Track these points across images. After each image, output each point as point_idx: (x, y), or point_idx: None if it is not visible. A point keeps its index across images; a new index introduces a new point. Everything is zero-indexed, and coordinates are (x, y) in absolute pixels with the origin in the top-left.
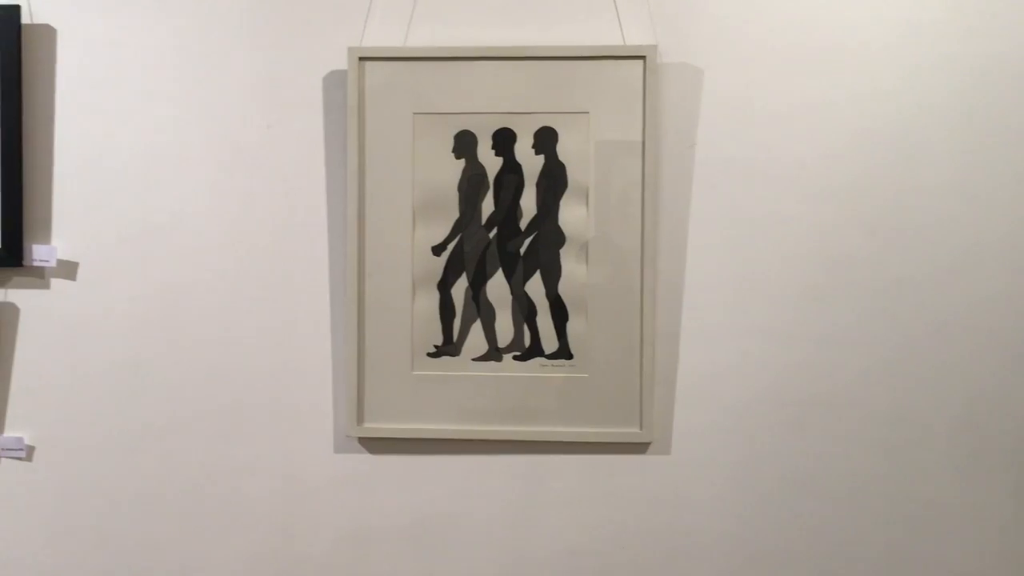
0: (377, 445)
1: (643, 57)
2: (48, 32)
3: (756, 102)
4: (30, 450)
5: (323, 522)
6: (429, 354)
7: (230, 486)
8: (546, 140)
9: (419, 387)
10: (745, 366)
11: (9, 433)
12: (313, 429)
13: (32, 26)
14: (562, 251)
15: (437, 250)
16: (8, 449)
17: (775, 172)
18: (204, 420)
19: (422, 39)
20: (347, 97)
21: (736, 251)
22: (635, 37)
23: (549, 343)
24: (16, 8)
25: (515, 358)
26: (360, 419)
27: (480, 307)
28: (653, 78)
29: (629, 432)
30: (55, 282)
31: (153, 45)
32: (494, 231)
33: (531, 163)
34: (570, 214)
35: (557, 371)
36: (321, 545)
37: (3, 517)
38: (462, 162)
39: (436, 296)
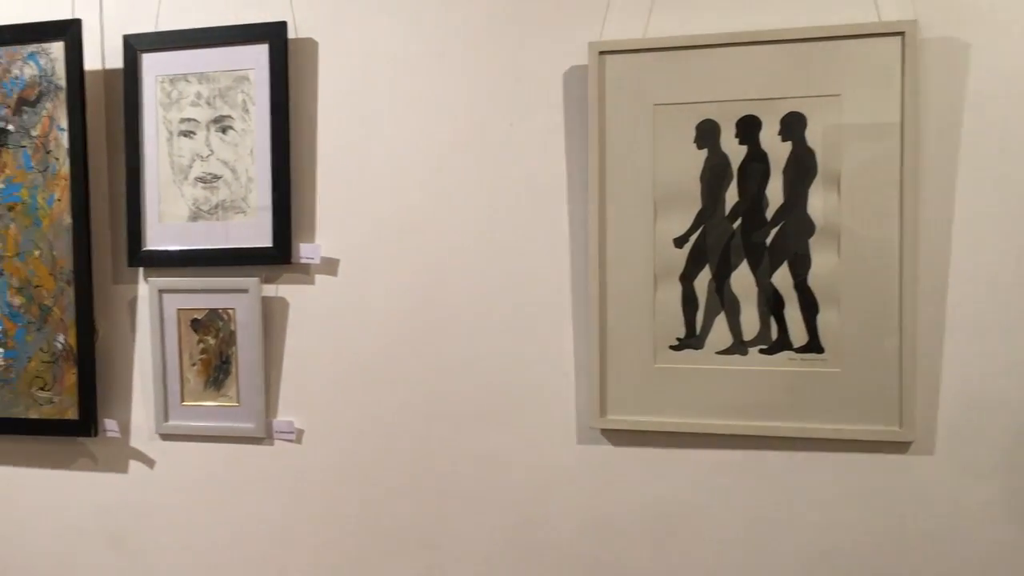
0: (620, 437)
1: (901, 33)
2: (311, 45)
3: None
4: (300, 433)
5: (566, 511)
6: (671, 347)
7: (479, 473)
8: (794, 126)
9: (661, 380)
10: (1019, 362)
11: (282, 417)
12: (557, 420)
13: (297, 40)
14: (812, 241)
15: (679, 242)
16: (281, 432)
17: None
18: (454, 409)
19: (662, 30)
20: (588, 92)
21: (1008, 240)
22: (891, 13)
23: (798, 336)
24: (283, 24)
25: (761, 351)
26: (603, 411)
27: (724, 299)
28: (912, 55)
29: (888, 430)
30: (319, 278)
31: (403, 52)
32: (738, 221)
33: (777, 150)
34: (820, 202)
35: (807, 365)
36: (564, 534)
37: (278, 495)
38: (704, 152)
39: (678, 288)
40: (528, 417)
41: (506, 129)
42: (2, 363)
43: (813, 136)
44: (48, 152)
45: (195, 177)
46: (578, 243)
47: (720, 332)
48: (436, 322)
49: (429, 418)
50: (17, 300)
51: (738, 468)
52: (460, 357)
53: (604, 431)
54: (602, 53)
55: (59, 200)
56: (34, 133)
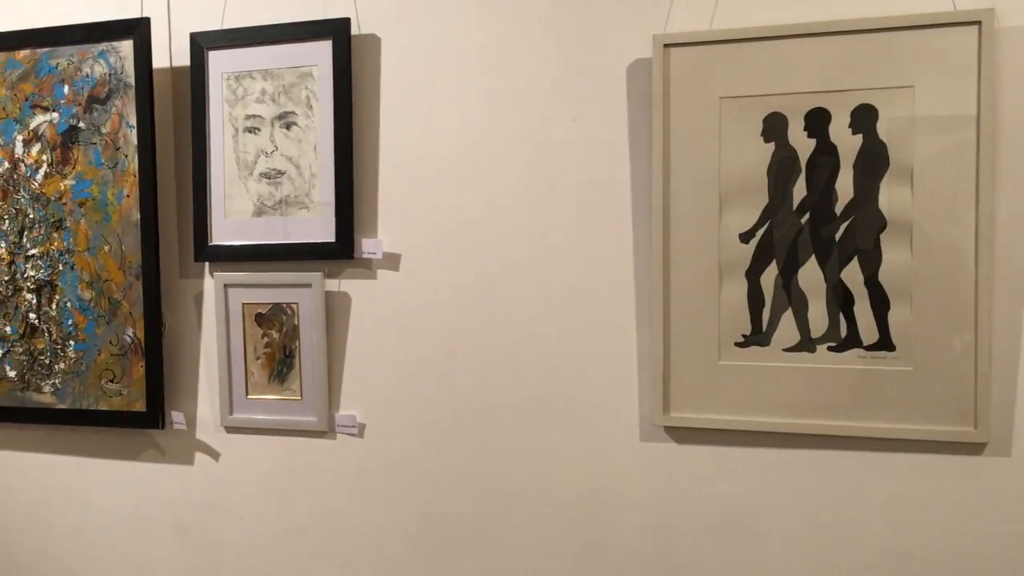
0: (683, 434)
1: (978, 23)
2: (374, 41)
3: None
4: (362, 427)
5: (628, 509)
6: (737, 344)
7: (539, 470)
8: (864, 118)
9: (726, 377)
10: None
11: (344, 411)
12: (620, 417)
13: (360, 36)
14: (883, 236)
15: (745, 237)
16: (343, 426)
17: None
18: (515, 405)
19: (728, 22)
20: (652, 85)
21: None
22: (967, 2)
23: (868, 334)
24: (346, 21)
25: (830, 349)
26: (666, 408)
27: (791, 295)
28: (989, 45)
29: (962, 431)
30: (381, 273)
31: (464, 47)
32: (806, 216)
33: (847, 143)
34: (892, 196)
35: (877, 363)
36: (626, 531)
37: (340, 489)
38: (771, 145)
39: (744, 284)
40: (590, 414)
41: (569, 124)
42: (73, 355)
43: (884, 128)
44: (117, 149)
45: (259, 173)
46: (641, 238)
47: (787, 329)
48: (497, 317)
49: (490, 414)
50: (87, 294)
51: (806, 468)
52: (521, 353)
53: (668, 428)
54: (667, 46)
55: (128, 196)
56: (104, 130)
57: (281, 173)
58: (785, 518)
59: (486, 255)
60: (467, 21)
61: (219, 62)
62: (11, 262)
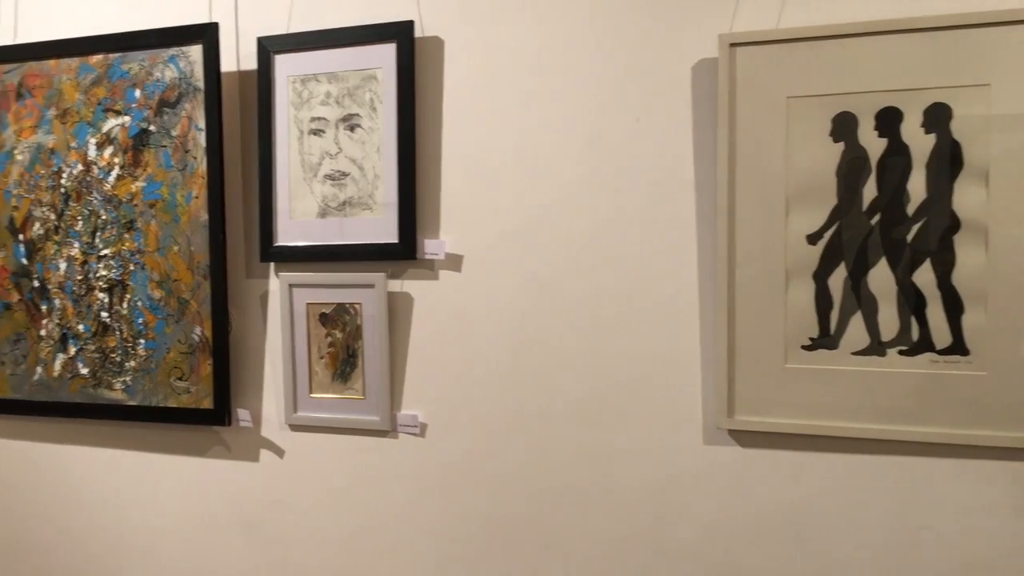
0: (748, 438)
1: None
2: (437, 44)
3: None
4: (423, 427)
5: (691, 512)
6: (804, 347)
7: (601, 472)
8: (938, 117)
9: (793, 381)
10: None
11: (406, 411)
12: (683, 419)
13: (424, 39)
14: (956, 237)
15: (812, 239)
16: (405, 425)
17: None
18: (576, 406)
19: (795, 20)
20: (718, 85)
21: None
22: None
23: (941, 337)
24: (410, 24)
25: (901, 353)
26: (731, 411)
27: (860, 298)
28: None
29: None
30: (443, 273)
31: (528, 48)
32: (877, 217)
33: (920, 143)
34: (966, 197)
35: (951, 368)
36: (689, 536)
37: (402, 488)
38: (840, 145)
39: (811, 286)
40: (652, 416)
41: (632, 125)
42: (143, 353)
43: (959, 128)
44: (187, 151)
45: (324, 175)
46: (705, 240)
47: (856, 332)
48: (559, 318)
49: (551, 415)
50: (157, 293)
51: (875, 474)
52: (583, 354)
53: (732, 432)
54: (733, 45)
55: (196, 197)
56: (174, 133)
57: (345, 175)
58: (852, 525)
59: (548, 256)
60: (530, 22)
61: (285, 66)
62: (84, 262)
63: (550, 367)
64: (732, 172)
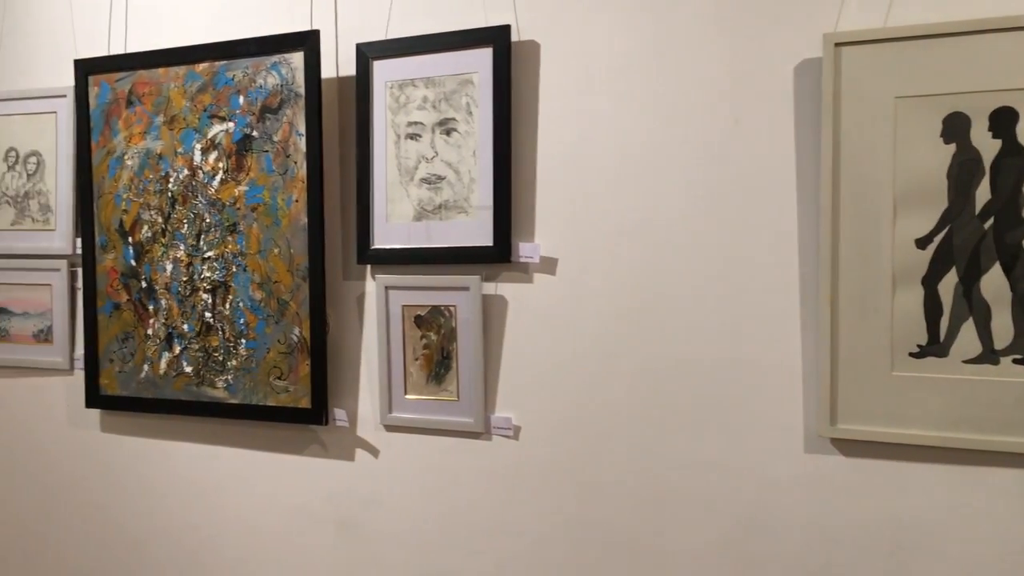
0: (851, 447)
1: None
2: (533, 47)
3: None
4: (517, 429)
5: (791, 523)
6: (911, 354)
7: (697, 478)
8: None
9: (900, 389)
10: None
11: (500, 413)
12: (782, 427)
13: (520, 43)
14: None
15: (921, 243)
16: (499, 428)
17: None
18: (672, 412)
19: (904, 18)
20: (822, 86)
21: None
22: None
23: None
24: (507, 28)
25: (1015, 361)
26: (833, 419)
27: (972, 304)
28: None
29: None
30: (537, 277)
31: (624, 50)
32: (990, 221)
33: None
34: None
35: None
36: (788, 547)
37: (496, 489)
38: (952, 147)
39: (919, 292)
40: (750, 422)
41: (732, 127)
42: (244, 353)
43: None
44: (287, 156)
45: (420, 178)
46: (806, 243)
47: (967, 339)
48: (655, 322)
49: (646, 420)
50: (258, 295)
51: (988, 487)
52: (679, 358)
53: (834, 440)
54: (838, 45)
55: (296, 201)
56: (275, 138)
57: (441, 178)
58: (962, 542)
59: (644, 260)
60: (627, 24)
61: (383, 71)
62: (189, 264)
63: (645, 372)
64: (836, 174)
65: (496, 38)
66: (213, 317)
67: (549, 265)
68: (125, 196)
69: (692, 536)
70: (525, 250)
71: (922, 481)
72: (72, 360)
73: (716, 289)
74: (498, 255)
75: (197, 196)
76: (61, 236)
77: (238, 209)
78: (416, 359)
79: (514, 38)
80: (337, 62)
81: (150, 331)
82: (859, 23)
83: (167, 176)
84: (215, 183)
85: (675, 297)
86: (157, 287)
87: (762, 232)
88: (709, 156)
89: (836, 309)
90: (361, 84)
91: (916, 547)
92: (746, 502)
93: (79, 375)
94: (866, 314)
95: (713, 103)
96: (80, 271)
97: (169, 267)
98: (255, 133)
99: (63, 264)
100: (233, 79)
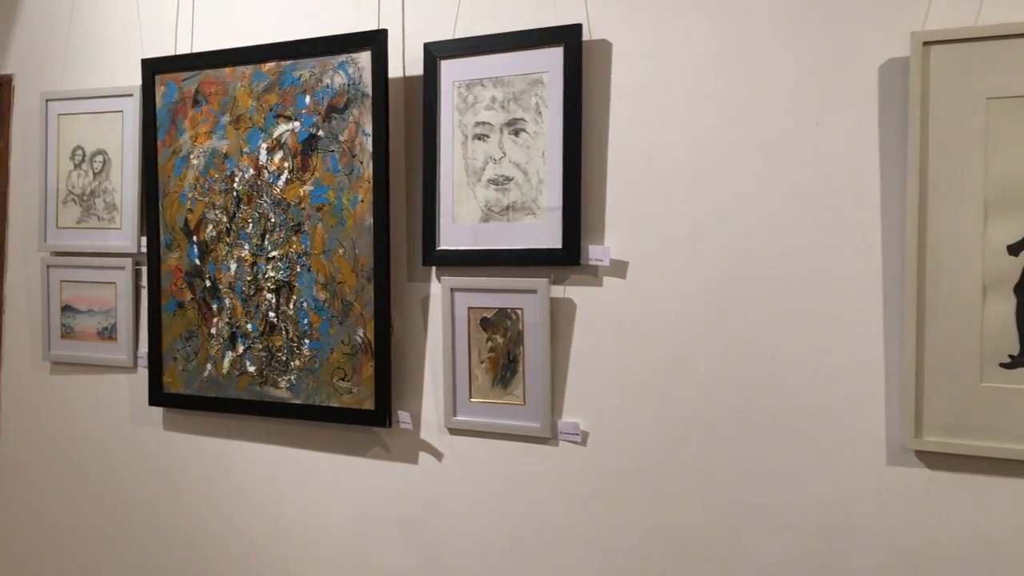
0: (938, 460)
1: None
2: (605, 47)
3: None
4: (585, 435)
5: (871, 535)
6: (1002, 364)
7: (773, 488)
8: None
9: (989, 401)
10: None
11: (567, 418)
12: (864, 438)
13: (591, 42)
14: None
15: (1014, 249)
16: (566, 433)
17: None
18: (746, 420)
19: (996, 16)
20: (909, 86)
21: None
22: None
23: None
24: (578, 27)
25: None
26: (919, 431)
27: None
28: None
29: None
30: (607, 280)
31: (700, 50)
32: None
33: None
34: None
35: None
36: (868, 559)
37: (562, 496)
38: None
39: (1012, 301)
40: (830, 433)
41: (812, 128)
42: (308, 353)
43: None
44: (353, 156)
45: (487, 179)
46: (891, 249)
47: None
48: (729, 328)
49: (719, 428)
50: (322, 295)
51: None
52: (754, 366)
53: (919, 453)
54: (927, 43)
55: (362, 201)
56: (341, 138)
57: (509, 179)
58: None
59: (718, 264)
60: (703, 22)
61: (451, 71)
62: (253, 263)
63: (718, 378)
64: (924, 177)
65: (567, 37)
66: (277, 317)
67: (619, 268)
68: (190, 195)
69: (768, 549)
70: (595, 252)
71: (1012, 498)
72: (136, 358)
73: (794, 294)
74: (567, 257)
75: (262, 196)
76: (126, 234)
77: (303, 209)
78: (481, 362)
79: (585, 37)
80: (404, 62)
81: (213, 330)
82: (948, 21)
83: (232, 175)
84: (280, 183)
85: (750, 302)
86: (221, 286)
87: (843, 235)
88: (788, 158)
89: (922, 317)
90: (428, 84)
91: (1005, 565)
92: (826, 516)
93: (142, 373)
94: (954, 323)
95: (793, 104)
96: (144, 269)
97: (233, 266)
98: (321, 133)
99: (128, 262)
100: (300, 79)
